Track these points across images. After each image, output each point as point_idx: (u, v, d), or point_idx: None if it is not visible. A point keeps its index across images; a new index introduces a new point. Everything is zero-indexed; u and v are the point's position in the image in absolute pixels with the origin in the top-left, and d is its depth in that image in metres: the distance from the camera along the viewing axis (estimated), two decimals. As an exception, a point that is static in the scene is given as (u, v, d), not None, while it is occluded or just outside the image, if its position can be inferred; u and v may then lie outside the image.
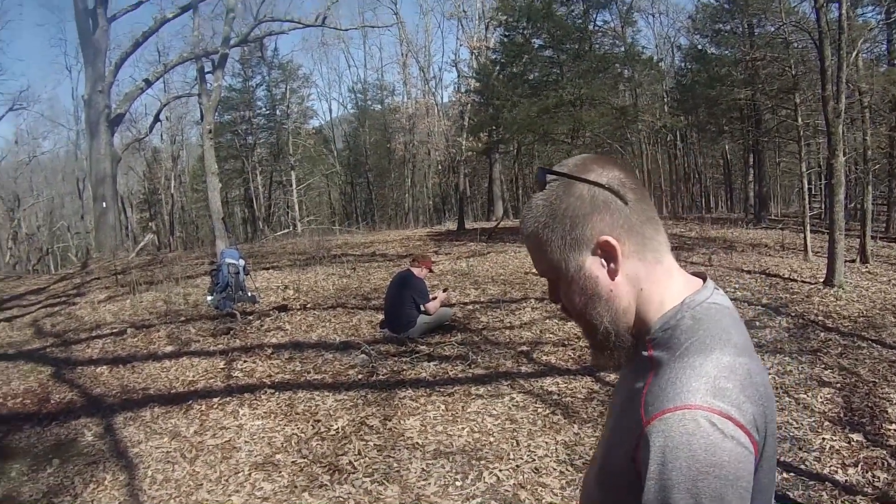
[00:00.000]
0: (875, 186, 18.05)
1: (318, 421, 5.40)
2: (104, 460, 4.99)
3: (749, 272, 10.48)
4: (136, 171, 38.76)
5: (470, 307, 9.01)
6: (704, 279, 1.16)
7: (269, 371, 6.71)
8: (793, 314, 8.20)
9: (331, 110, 47.84)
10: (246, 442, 5.09)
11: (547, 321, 8.05)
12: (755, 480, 0.96)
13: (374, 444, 4.91)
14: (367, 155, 40.29)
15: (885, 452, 4.54)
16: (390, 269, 11.82)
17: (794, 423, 5.04)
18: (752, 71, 19.66)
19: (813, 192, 22.35)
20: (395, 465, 4.59)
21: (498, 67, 22.05)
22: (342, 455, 4.77)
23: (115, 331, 8.74)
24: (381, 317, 8.14)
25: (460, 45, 36.57)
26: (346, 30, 31.01)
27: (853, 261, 11.81)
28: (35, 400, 6.51)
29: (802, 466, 4.38)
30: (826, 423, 5.05)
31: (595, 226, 1.08)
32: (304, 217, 34.98)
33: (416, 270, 7.81)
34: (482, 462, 4.55)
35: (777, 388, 5.66)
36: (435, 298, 7.70)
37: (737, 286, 9.50)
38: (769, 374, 5.49)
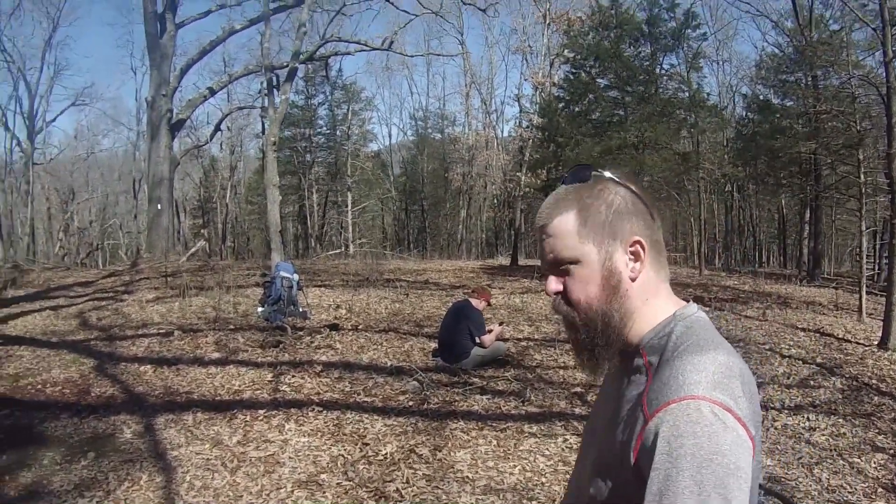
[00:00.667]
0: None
1: (367, 444, 5.12)
2: (141, 459, 4.78)
3: (803, 330, 10.17)
4: (192, 178, 39.46)
5: (524, 343, 8.69)
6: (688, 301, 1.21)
7: (317, 388, 6.47)
8: (847, 375, 7.87)
9: (390, 135, 48.17)
10: (290, 458, 4.83)
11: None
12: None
13: (423, 474, 4.65)
14: (424, 183, 40.41)
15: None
16: (443, 298, 11.61)
17: (848, 487, 4.87)
18: (816, 124, 19.18)
19: (867, 253, 21.75)
20: (444, 497, 4.33)
21: (562, 105, 21.88)
22: (389, 482, 4.50)
23: (161, 331, 8.62)
24: (433, 345, 7.97)
25: (524, 80, 36.30)
26: (412, 56, 31.21)
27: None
28: (75, 390, 6.37)
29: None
30: (879, 489, 4.88)
31: (634, 225, 1.15)
32: (357, 239, 35.06)
33: (474, 301, 7.64)
34: (534, 503, 4.29)
35: (831, 451, 5.53)
36: (490, 331, 7.48)
37: (791, 343, 9.20)
38: (823, 435, 5.75)
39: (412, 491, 4.38)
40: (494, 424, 5.67)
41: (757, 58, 28.84)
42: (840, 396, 7.06)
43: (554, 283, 1.18)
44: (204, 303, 10.58)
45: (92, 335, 8.60)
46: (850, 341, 9.82)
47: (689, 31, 21.42)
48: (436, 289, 13.27)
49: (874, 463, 5.33)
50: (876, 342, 9.61)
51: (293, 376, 6.80)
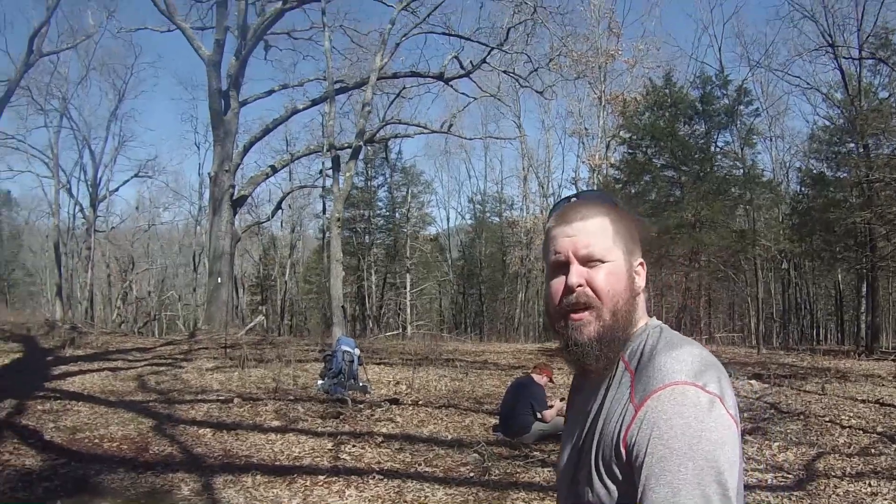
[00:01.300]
0: None
1: (429, 512, 4.89)
2: (200, 517, 4.63)
3: (863, 401, 9.77)
4: (251, 255, 40.19)
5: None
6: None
7: (378, 458, 6.29)
8: (908, 443, 7.50)
9: (448, 218, 48.39)
10: (351, 524, 4.63)
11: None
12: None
13: (486, 542, 4.37)
14: (482, 266, 40.37)
15: None
16: (502, 377, 11.43)
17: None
18: (870, 193, 18.88)
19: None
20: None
21: (619, 186, 21.87)
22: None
23: (221, 398, 8.59)
24: (493, 421, 7.89)
25: (580, 163, 36.27)
26: (470, 139, 31.40)
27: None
28: (133, 447, 6.30)
29: None
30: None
31: (639, 250, 1.29)
32: (414, 321, 34.98)
33: (536, 377, 7.63)
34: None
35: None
36: (552, 407, 7.37)
37: (851, 414, 8.84)
38: (885, 500, 5.55)
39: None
40: (556, 496, 5.40)
41: (809, 131, 28.69)
42: (902, 463, 6.77)
43: (577, 277, 1.21)
44: (263, 374, 10.54)
45: (150, 397, 8.61)
46: (910, 411, 9.53)
47: (742, 107, 21.51)
48: (495, 368, 13.11)
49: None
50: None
51: (354, 446, 6.65)
